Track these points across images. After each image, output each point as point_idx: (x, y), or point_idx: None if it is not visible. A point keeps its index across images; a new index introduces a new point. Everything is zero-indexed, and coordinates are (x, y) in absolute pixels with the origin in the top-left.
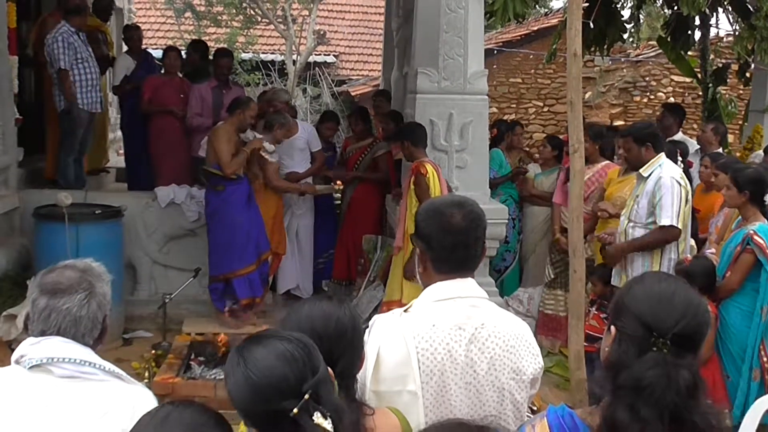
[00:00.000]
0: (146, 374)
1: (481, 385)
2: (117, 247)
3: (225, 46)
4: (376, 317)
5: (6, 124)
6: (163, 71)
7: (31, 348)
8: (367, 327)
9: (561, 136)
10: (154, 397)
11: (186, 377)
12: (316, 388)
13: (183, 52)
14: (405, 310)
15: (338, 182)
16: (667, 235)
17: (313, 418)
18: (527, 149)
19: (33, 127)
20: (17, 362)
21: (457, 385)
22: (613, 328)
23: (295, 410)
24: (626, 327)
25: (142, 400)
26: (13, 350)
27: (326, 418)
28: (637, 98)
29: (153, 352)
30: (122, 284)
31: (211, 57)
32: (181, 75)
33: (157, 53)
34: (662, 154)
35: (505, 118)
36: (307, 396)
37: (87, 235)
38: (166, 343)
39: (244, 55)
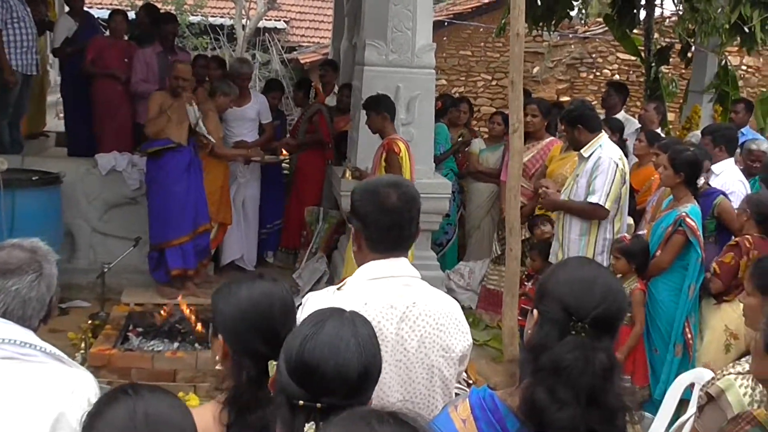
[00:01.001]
0: (82, 345)
1: (411, 363)
2: (55, 215)
3: (172, 8)
4: (309, 295)
5: None
6: (107, 34)
7: None
8: (301, 304)
9: (507, 112)
10: (95, 381)
11: (123, 348)
12: (334, 410)
13: (129, 15)
14: (338, 288)
15: (282, 152)
16: (594, 212)
17: (305, 426)
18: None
19: None
20: None
21: (387, 362)
22: (536, 311)
23: (301, 402)
24: (548, 310)
25: (82, 383)
26: None
27: None
28: (584, 74)
29: (90, 322)
30: (60, 252)
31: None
32: (127, 38)
33: (102, 13)
34: (602, 134)
35: (454, 91)
36: (319, 405)
37: (24, 202)
38: (103, 314)
39: (193, 18)
